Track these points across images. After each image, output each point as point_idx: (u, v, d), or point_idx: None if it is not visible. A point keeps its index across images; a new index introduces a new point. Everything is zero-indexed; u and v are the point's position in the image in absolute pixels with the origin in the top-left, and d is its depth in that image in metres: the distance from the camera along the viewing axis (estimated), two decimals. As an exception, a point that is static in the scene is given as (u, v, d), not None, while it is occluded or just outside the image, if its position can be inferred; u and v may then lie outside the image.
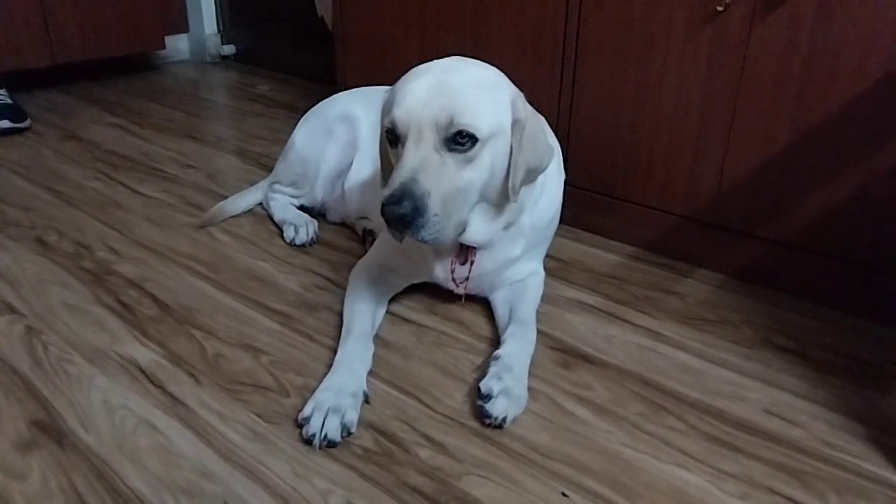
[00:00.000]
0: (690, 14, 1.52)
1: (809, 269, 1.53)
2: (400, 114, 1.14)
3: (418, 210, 1.09)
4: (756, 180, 1.54)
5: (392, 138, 1.19)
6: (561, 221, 1.53)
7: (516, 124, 1.19)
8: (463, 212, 1.19)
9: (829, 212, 1.46)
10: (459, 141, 1.13)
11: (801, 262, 1.53)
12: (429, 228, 1.11)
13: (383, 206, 1.10)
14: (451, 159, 1.14)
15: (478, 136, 1.14)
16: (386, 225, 1.14)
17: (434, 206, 1.11)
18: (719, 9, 1.47)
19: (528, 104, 1.24)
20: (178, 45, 3.86)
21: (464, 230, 1.23)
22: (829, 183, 1.45)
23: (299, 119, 1.88)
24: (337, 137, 1.75)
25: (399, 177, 1.11)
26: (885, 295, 1.45)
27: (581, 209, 1.81)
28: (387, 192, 1.11)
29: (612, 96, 1.70)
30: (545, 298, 1.49)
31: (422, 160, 1.12)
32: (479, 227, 1.26)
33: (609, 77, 1.69)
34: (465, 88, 1.15)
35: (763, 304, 1.54)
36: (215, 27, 3.87)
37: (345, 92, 1.92)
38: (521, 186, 1.23)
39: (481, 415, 1.15)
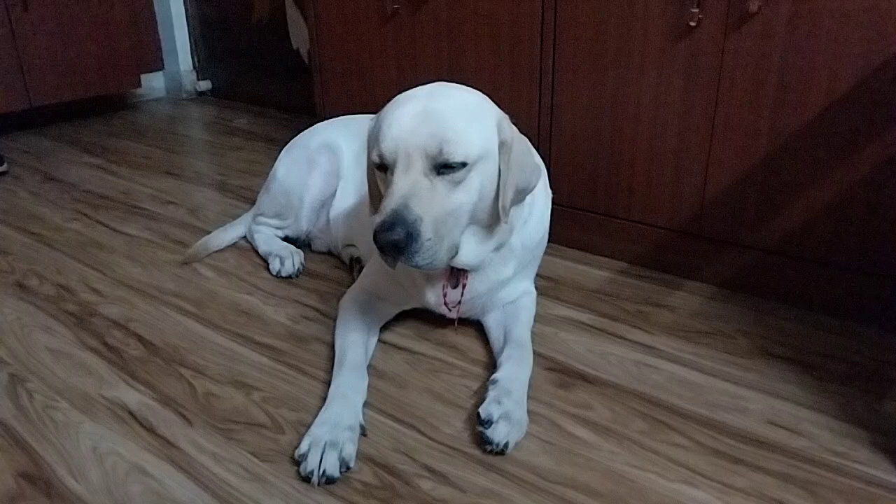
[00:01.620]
0: (664, 31, 1.53)
1: (797, 275, 1.53)
2: (388, 141, 1.14)
3: (411, 236, 1.09)
4: (738, 190, 1.55)
5: (381, 165, 1.18)
6: (548, 240, 1.52)
7: (503, 146, 1.20)
8: (454, 235, 1.18)
9: (813, 218, 1.47)
10: (449, 165, 1.13)
11: (789, 269, 1.54)
12: (422, 253, 1.11)
13: (376, 233, 1.09)
14: (440, 184, 1.14)
15: (466, 160, 1.14)
16: (379, 252, 1.13)
17: (426, 230, 1.10)
18: (692, 24, 1.48)
19: (513, 126, 1.24)
20: (153, 83, 3.85)
21: (456, 253, 1.21)
22: (810, 189, 1.45)
23: (279, 151, 1.88)
24: (320, 167, 1.74)
25: (390, 203, 1.10)
26: (872, 298, 1.45)
27: (566, 227, 1.80)
28: (378, 219, 1.10)
29: (591, 114, 1.71)
30: (537, 318, 1.48)
31: (412, 186, 1.12)
32: (470, 250, 1.25)
33: (587, 95, 1.70)
34: (451, 114, 1.16)
35: (755, 313, 1.53)
36: (190, 64, 3.87)
37: (326, 122, 1.92)
38: (511, 207, 1.23)
39: (482, 441, 1.13)
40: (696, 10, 1.46)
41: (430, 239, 1.11)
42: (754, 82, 1.45)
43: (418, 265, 1.12)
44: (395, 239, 1.08)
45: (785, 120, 1.44)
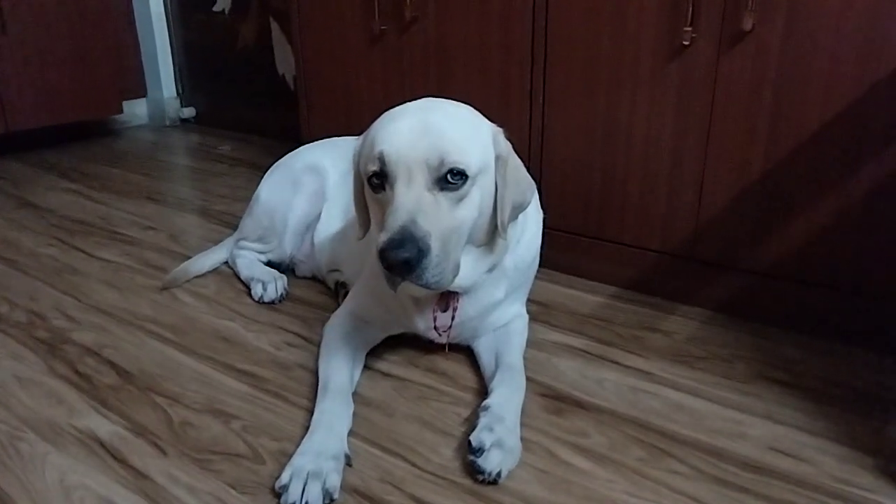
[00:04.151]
0: (656, 50, 1.52)
1: (793, 298, 1.50)
2: (388, 153, 1.10)
3: (421, 252, 1.04)
4: (733, 212, 1.52)
5: (377, 182, 1.13)
6: (539, 264, 1.48)
7: (499, 160, 1.18)
8: (457, 253, 1.14)
9: (810, 239, 1.44)
10: (451, 180, 1.10)
11: (785, 293, 1.50)
12: (431, 271, 1.06)
13: (383, 251, 1.04)
14: (443, 199, 1.10)
15: (468, 173, 1.11)
16: (385, 272, 1.08)
17: (435, 246, 1.06)
18: (685, 43, 1.47)
19: (507, 140, 1.21)
20: (136, 110, 3.81)
21: (458, 272, 1.16)
22: (807, 210, 1.43)
23: (263, 175, 1.83)
24: (304, 188, 1.70)
25: (397, 220, 1.06)
26: (871, 321, 1.42)
27: (558, 250, 1.76)
28: (384, 236, 1.06)
29: (582, 136, 1.68)
30: (529, 343, 1.43)
31: (417, 201, 1.08)
32: (464, 271, 1.20)
33: (579, 116, 1.67)
34: (449, 126, 1.13)
35: (751, 338, 1.50)
36: (174, 91, 3.83)
37: (311, 143, 1.88)
38: (508, 223, 1.19)
39: (474, 470, 1.07)
40: (689, 29, 1.44)
41: (438, 255, 1.06)
42: (749, 101, 1.43)
43: (427, 284, 1.07)
44: (407, 256, 1.03)
45: (780, 140, 1.42)
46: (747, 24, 1.38)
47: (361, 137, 1.23)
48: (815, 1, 1.31)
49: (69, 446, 1.17)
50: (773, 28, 1.36)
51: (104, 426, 1.22)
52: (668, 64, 1.51)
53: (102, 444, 1.17)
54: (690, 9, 1.44)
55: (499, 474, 1.06)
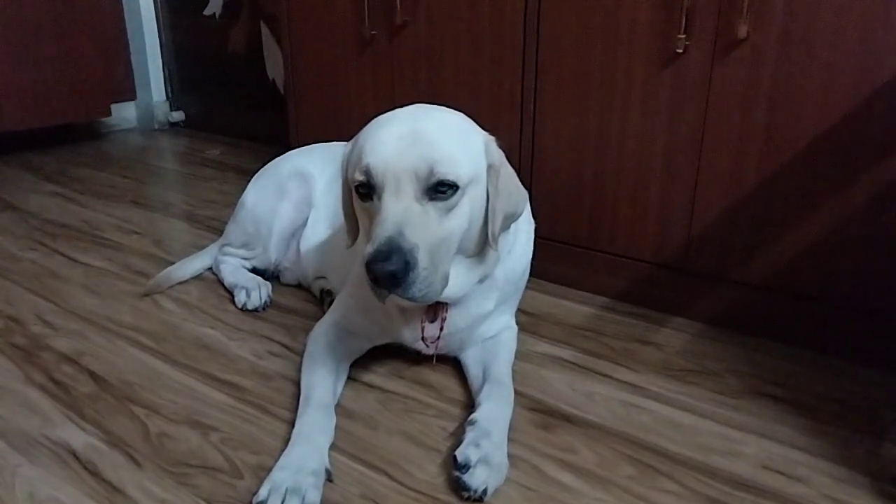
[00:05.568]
0: (649, 58, 1.50)
1: (787, 312, 1.48)
2: (375, 165, 1.07)
3: (408, 265, 1.02)
4: (727, 223, 1.49)
5: (364, 192, 1.10)
6: (529, 273, 1.45)
7: (491, 169, 1.15)
8: (446, 264, 1.11)
9: (804, 252, 1.42)
10: (440, 190, 1.07)
11: (779, 306, 1.48)
12: (419, 284, 1.04)
13: (369, 263, 1.01)
14: (432, 210, 1.07)
15: (458, 183, 1.08)
16: (371, 284, 1.05)
17: (423, 259, 1.03)
18: (678, 51, 1.45)
19: (500, 149, 1.18)
20: (124, 113, 3.76)
21: (446, 284, 1.13)
22: (802, 222, 1.41)
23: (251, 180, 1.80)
24: (290, 194, 1.67)
25: (383, 231, 1.03)
26: (867, 335, 1.40)
27: (548, 260, 1.74)
28: (371, 248, 1.03)
29: (574, 144, 1.66)
30: (518, 355, 1.40)
31: (405, 212, 1.05)
32: (455, 281, 1.17)
33: (570, 125, 1.65)
34: (439, 135, 1.10)
35: (745, 351, 1.47)
36: (163, 94, 3.79)
37: (299, 149, 1.85)
38: (500, 234, 1.17)
39: (459, 487, 1.04)
40: (683, 37, 1.42)
41: (426, 268, 1.03)
42: (743, 111, 1.41)
43: (414, 297, 1.05)
44: (393, 269, 1.00)
45: (774, 150, 1.39)
46: (742, 32, 1.36)
47: (350, 144, 1.20)
48: (812, 9, 1.30)
49: (41, 458, 1.13)
50: (768, 36, 1.34)
51: (79, 437, 1.18)
52: (660, 72, 1.49)
53: (76, 456, 1.13)
54: (684, 16, 1.42)
55: (485, 492, 1.03)
